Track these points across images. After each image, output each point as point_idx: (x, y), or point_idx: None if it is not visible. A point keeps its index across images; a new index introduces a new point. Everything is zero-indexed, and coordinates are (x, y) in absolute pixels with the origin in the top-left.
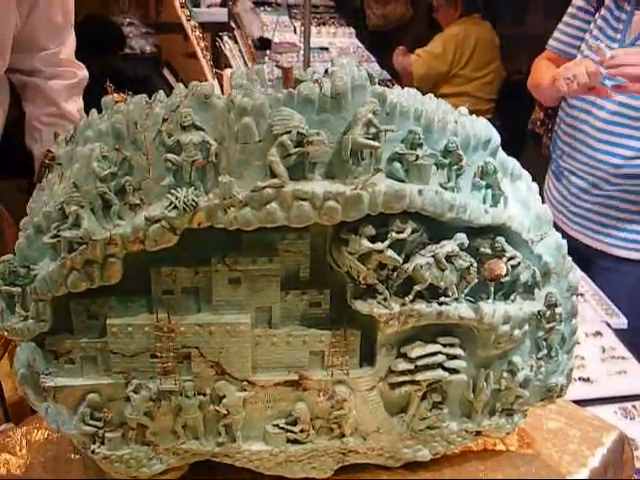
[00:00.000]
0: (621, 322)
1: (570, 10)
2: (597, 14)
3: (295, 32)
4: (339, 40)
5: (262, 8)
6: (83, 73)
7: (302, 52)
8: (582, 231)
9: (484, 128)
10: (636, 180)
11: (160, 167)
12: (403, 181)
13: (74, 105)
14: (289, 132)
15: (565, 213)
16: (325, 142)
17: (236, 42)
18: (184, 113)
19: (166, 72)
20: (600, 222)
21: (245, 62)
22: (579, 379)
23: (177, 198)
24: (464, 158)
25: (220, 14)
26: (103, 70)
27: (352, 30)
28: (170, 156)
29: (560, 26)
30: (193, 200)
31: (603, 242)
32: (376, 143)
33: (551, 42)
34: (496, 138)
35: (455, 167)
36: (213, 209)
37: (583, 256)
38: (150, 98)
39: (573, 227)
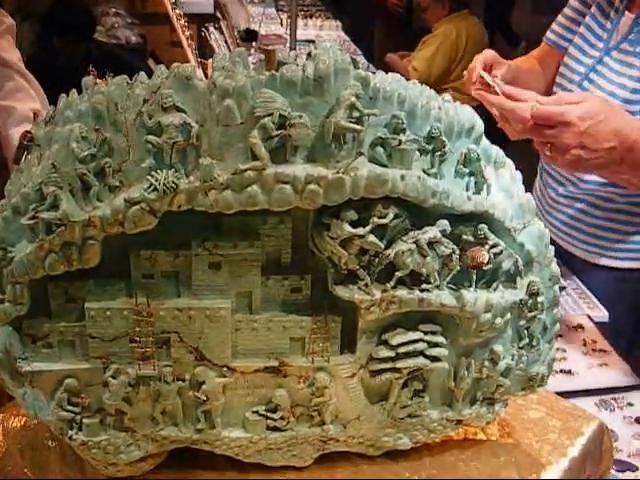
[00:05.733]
0: (602, 315)
1: (570, 1)
2: (589, 10)
3: (281, 24)
4: (326, 33)
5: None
6: (10, 20)
7: (288, 44)
8: (557, 234)
9: (468, 115)
10: (606, 187)
11: (140, 149)
12: (386, 166)
13: (12, 53)
14: (271, 114)
15: (543, 213)
16: (307, 125)
17: (222, 33)
18: (165, 94)
19: (151, 62)
20: (573, 226)
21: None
22: (560, 371)
23: (157, 180)
24: (447, 144)
25: (206, 5)
26: (75, 55)
27: (339, 23)
28: (151, 138)
29: (558, 18)
30: (173, 182)
31: (576, 247)
32: (359, 127)
33: (547, 34)
34: (480, 125)
35: (438, 153)
36: (193, 191)
37: (560, 258)
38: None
39: (549, 228)
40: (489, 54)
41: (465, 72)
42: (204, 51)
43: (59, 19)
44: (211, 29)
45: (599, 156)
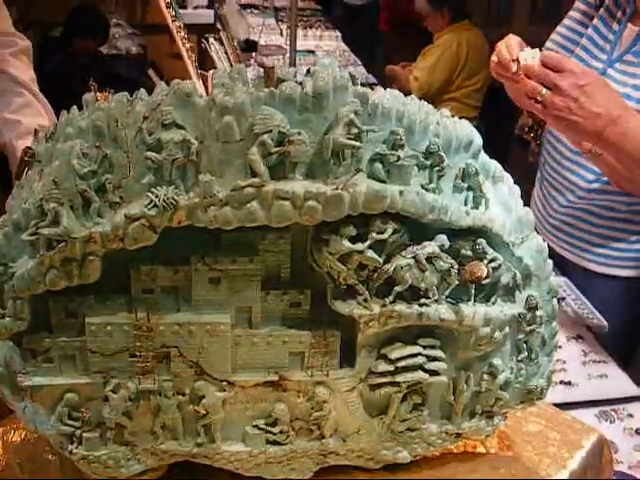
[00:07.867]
0: (602, 326)
1: (571, 13)
2: (591, 22)
3: (281, 35)
4: (325, 43)
5: (249, 10)
6: (26, 42)
7: (288, 55)
8: (558, 243)
9: (466, 130)
10: (608, 195)
11: (140, 165)
12: (384, 182)
13: (26, 73)
14: (270, 131)
15: (543, 223)
16: (306, 142)
17: (222, 44)
18: (165, 111)
19: (151, 73)
20: (574, 235)
21: (231, 64)
22: (560, 382)
23: (157, 196)
24: (445, 159)
25: (206, 16)
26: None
27: (338, 33)
28: (151, 154)
29: (557, 28)
30: (173, 199)
31: (578, 255)
32: (357, 143)
33: (547, 44)
34: (478, 140)
35: (436, 168)
36: (193, 208)
37: (560, 267)
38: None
39: (550, 238)
40: (517, 38)
41: (494, 57)
42: (204, 62)
43: (79, 20)
44: (211, 40)
45: (585, 116)
